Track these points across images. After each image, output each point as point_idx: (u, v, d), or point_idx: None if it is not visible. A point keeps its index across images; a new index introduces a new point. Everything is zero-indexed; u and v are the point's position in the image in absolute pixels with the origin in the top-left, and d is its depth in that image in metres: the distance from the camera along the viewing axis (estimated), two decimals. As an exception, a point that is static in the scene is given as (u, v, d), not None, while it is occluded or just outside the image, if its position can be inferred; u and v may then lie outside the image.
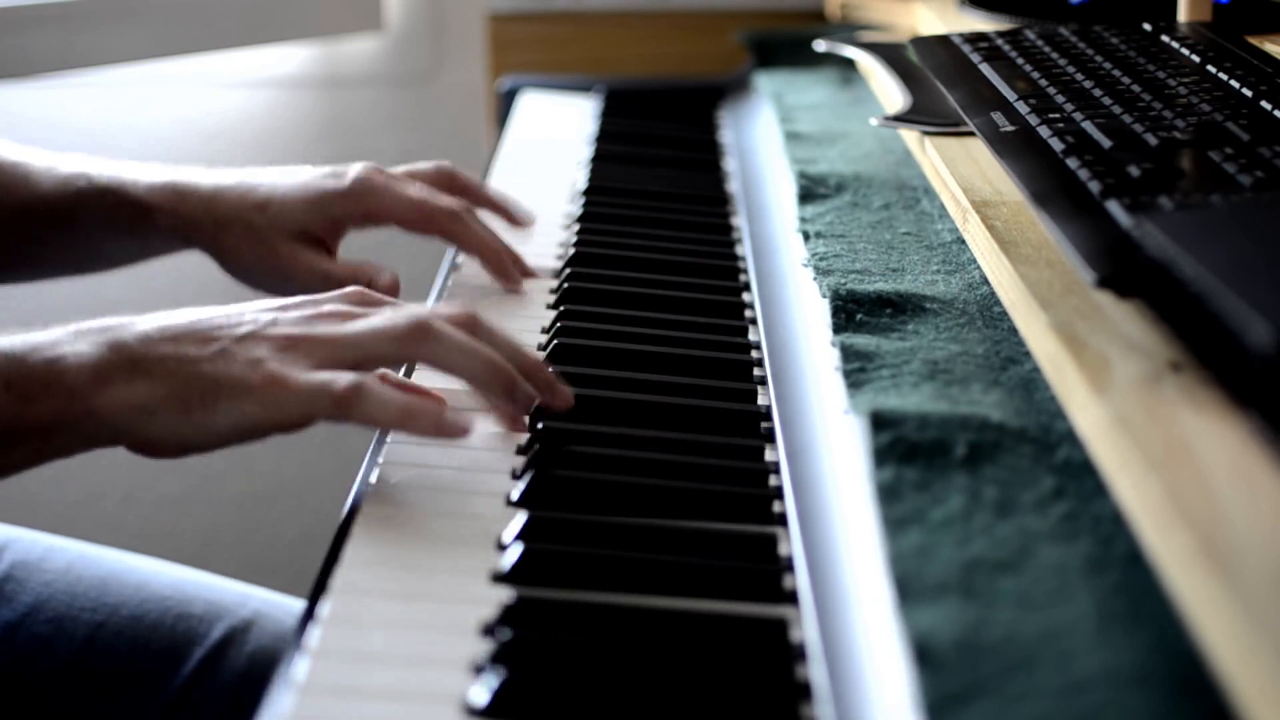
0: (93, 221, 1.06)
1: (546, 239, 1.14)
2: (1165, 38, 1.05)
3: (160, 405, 0.74)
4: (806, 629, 0.65)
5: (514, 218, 1.12)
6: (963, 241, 0.94)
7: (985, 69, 1.04)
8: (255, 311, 0.78)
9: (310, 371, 0.75)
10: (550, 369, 0.83)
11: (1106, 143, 0.83)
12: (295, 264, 1.02)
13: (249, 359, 0.75)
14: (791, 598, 0.68)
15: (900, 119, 1.08)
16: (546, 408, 0.82)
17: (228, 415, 0.74)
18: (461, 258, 1.08)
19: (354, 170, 1.04)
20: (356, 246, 1.41)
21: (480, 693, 0.60)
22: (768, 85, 1.39)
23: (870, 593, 0.63)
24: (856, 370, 0.77)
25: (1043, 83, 0.98)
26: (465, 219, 1.03)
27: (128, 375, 0.74)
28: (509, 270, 1.03)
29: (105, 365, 0.74)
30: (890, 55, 1.27)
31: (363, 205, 1.03)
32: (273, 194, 1.03)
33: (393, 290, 1.00)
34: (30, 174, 1.07)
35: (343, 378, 0.74)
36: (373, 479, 0.77)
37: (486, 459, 0.79)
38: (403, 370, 0.87)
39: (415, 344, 0.77)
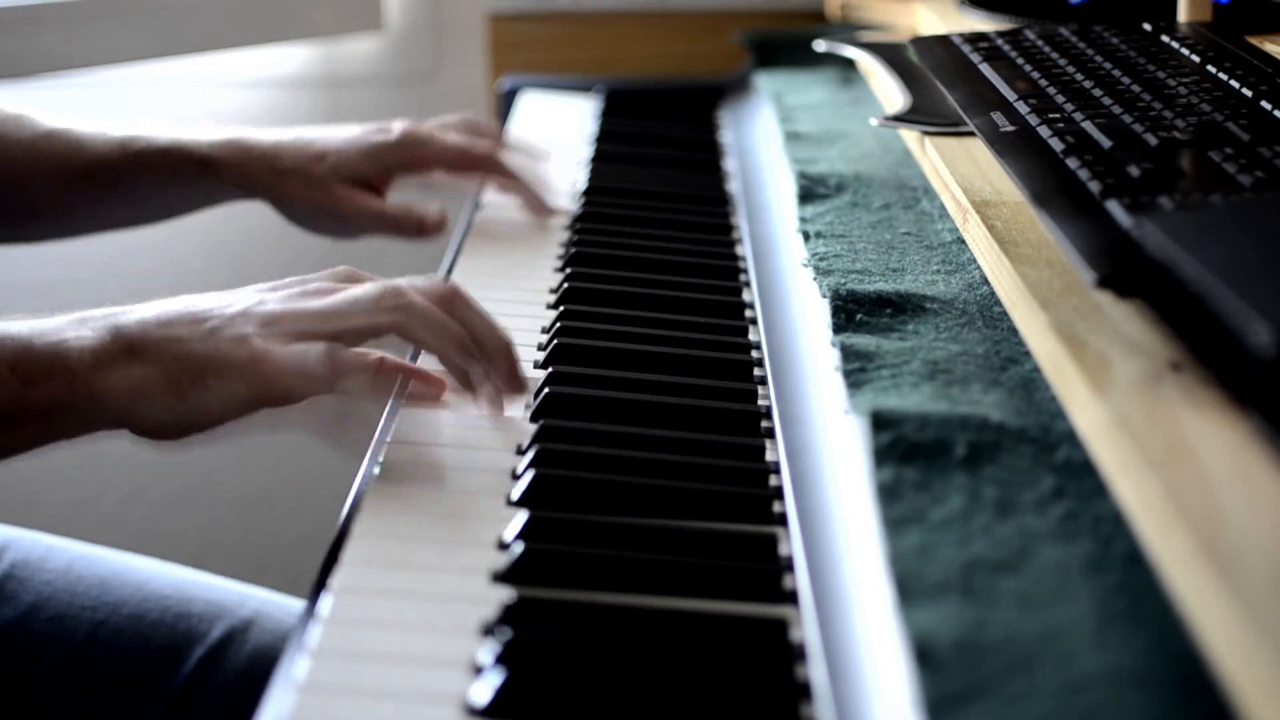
0: (155, 179, 1.14)
1: (547, 238, 1.14)
2: (1165, 38, 1.05)
3: (154, 388, 0.76)
4: (806, 629, 0.65)
5: (532, 154, 1.23)
6: (963, 241, 0.94)
7: (985, 69, 1.04)
8: (246, 294, 0.81)
9: (291, 346, 0.77)
10: (514, 357, 0.84)
11: (1106, 143, 0.83)
12: (350, 205, 1.12)
13: (234, 336, 0.77)
14: (791, 598, 0.68)
15: (900, 119, 1.08)
16: (505, 393, 0.83)
17: (217, 393, 0.77)
18: (462, 255, 1.09)
19: (398, 124, 1.16)
20: (357, 249, 1.41)
21: (481, 692, 0.60)
22: (768, 85, 1.39)
23: (870, 593, 0.63)
24: (856, 370, 0.77)
25: (1043, 83, 0.98)
26: (502, 159, 1.16)
27: (125, 359, 0.76)
28: (541, 204, 1.16)
29: (104, 350, 0.76)
30: (890, 55, 1.27)
31: (411, 153, 1.14)
32: (328, 146, 1.14)
33: (442, 223, 1.12)
34: (82, 139, 1.13)
35: (320, 351, 0.77)
36: (373, 478, 0.77)
37: (486, 459, 0.79)
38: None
39: (387, 313, 0.80)
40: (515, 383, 0.84)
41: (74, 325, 0.78)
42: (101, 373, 0.76)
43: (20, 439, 0.78)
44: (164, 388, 0.76)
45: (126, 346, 0.77)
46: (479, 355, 0.83)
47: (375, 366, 0.79)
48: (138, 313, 0.79)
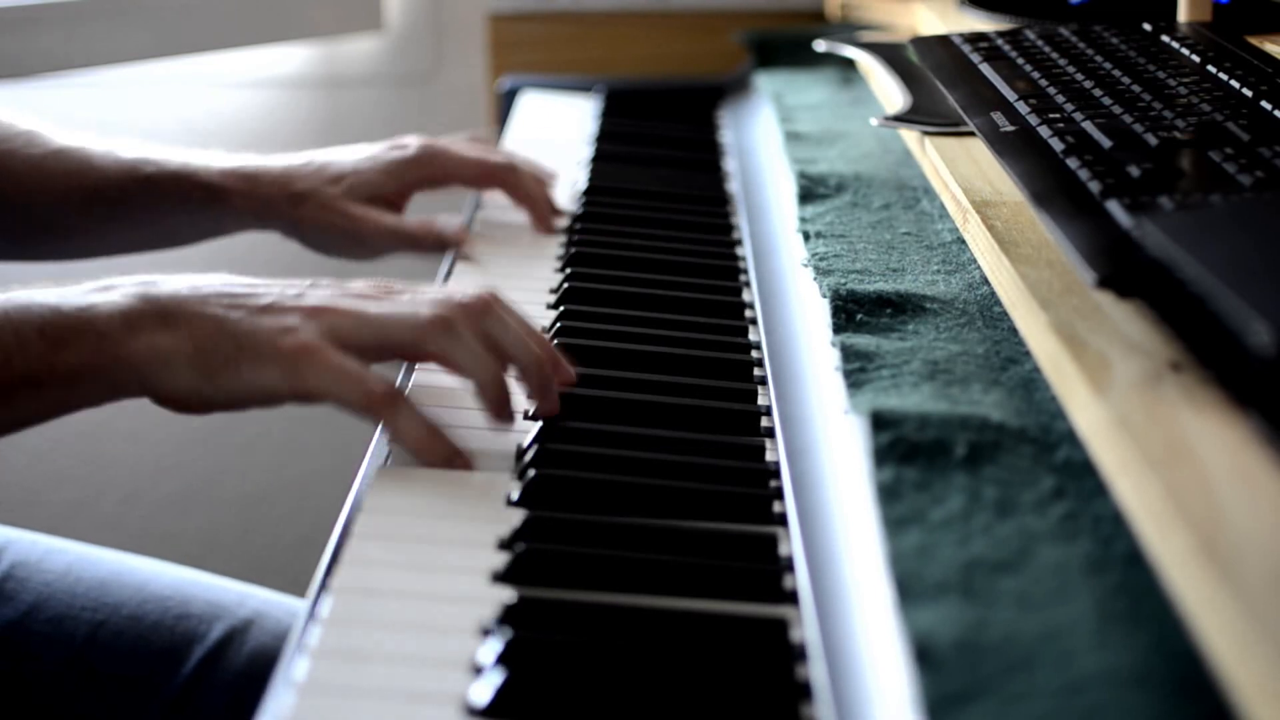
0: (163, 204, 1.12)
1: (547, 238, 1.14)
2: (1165, 38, 1.05)
3: (184, 360, 0.75)
4: (806, 629, 0.65)
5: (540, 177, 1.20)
6: (963, 241, 0.94)
7: (985, 69, 1.04)
8: (283, 285, 0.79)
9: (345, 354, 0.75)
10: (552, 363, 0.82)
11: (1106, 143, 0.83)
12: (367, 223, 1.10)
13: (277, 325, 0.76)
14: (791, 598, 0.68)
15: (900, 119, 1.08)
16: (537, 411, 0.82)
17: (249, 377, 0.75)
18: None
19: (414, 141, 1.15)
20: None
21: (481, 692, 0.60)
22: (768, 85, 1.39)
23: (870, 593, 0.63)
24: (856, 370, 0.77)
25: (1043, 83, 0.98)
26: (519, 172, 1.15)
27: (155, 325, 0.75)
28: (549, 219, 1.15)
29: (135, 314, 0.75)
30: (890, 55, 1.27)
31: (431, 169, 1.14)
32: (344, 168, 1.12)
33: (462, 238, 1.10)
34: (92, 158, 1.12)
35: (382, 380, 0.75)
36: (372, 478, 0.77)
37: (487, 459, 0.79)
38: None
39: (433, 339, 0.77)
40: (549, 398, 0.81)
41: (101, 290, 0.76)
42: (131, 336, 0.74)
43: (45, 403, 0.76)
44: (194, 361, 0.75)
45: (159, 312, 0.75)
46: (507, 392, 0.79)
47: (430, 434, 0.76)
48: (171, 284, 0.77)
